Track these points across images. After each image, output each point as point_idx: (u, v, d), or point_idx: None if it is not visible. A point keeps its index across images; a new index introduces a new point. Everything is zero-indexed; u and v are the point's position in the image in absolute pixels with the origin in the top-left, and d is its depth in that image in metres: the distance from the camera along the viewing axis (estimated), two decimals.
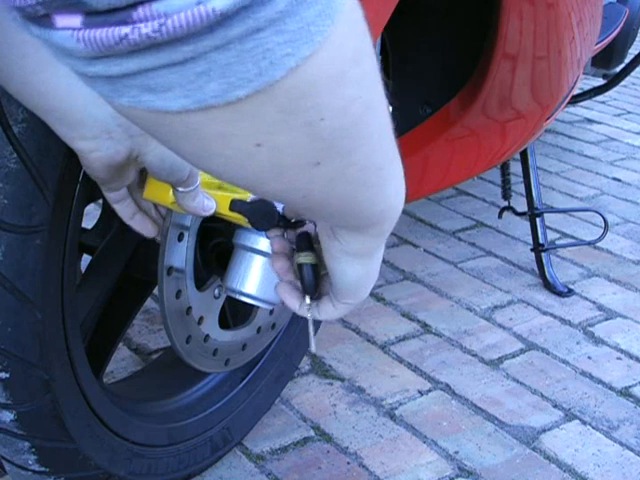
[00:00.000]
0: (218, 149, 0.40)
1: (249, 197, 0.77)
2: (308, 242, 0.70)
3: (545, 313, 1.63)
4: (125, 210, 0.81)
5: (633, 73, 2.24)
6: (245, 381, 1.18)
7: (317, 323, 1.24)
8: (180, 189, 0.75)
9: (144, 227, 0.83)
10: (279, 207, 0.73)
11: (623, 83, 2.37)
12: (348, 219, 0.56)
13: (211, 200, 0.79)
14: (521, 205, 1.78)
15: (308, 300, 0.69)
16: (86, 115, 0.66)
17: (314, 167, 0.43)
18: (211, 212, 0.79)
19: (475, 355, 1.47)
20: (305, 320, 0.71)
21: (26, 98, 0.65)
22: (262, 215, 0.74)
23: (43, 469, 0.87)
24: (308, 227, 0.73)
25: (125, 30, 0.32)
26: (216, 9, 0.32)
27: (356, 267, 0.63)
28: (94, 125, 0.66)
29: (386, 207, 0.55)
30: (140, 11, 0.32)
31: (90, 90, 0.66)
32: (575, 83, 1.52)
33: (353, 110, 0.41)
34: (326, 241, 0.62)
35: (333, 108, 0.40)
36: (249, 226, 0.78)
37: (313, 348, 0.78)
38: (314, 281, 0.69)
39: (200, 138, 0.39)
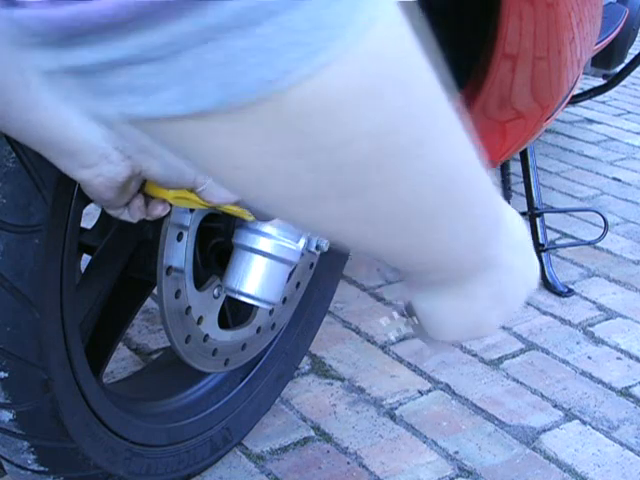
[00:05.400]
0: (219, 167, 0.35)
1: None
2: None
3: (545, 313, 1.63)
4: (125, 215, 0.81)
5: (633, 73, 2.23)
6: (245, 381, 1.17)
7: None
8: (198, 189, 0.75)
9: (142, 212, 0.82)
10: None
11: (623, 83, 2.36)
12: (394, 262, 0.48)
13: None
14: (521, 205, 1.78)
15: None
16: (82, 142, 0.66)
17: (343, 199, 0.37)
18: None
19: (475, 355, 1.47)
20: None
21: (29, 138, 0.66)
22: None
23: (42, 469, 0.87)
24: None
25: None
26: None
27: (445, 298, 0.55)
28: (92, 151, 0.67)
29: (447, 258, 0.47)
30: None
31: (81, 114, 0.66)
32: (575, 83, 1.52)
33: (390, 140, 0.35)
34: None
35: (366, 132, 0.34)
36: (252, 218, 0.77)
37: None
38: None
39: (199, 151, 0.34)
